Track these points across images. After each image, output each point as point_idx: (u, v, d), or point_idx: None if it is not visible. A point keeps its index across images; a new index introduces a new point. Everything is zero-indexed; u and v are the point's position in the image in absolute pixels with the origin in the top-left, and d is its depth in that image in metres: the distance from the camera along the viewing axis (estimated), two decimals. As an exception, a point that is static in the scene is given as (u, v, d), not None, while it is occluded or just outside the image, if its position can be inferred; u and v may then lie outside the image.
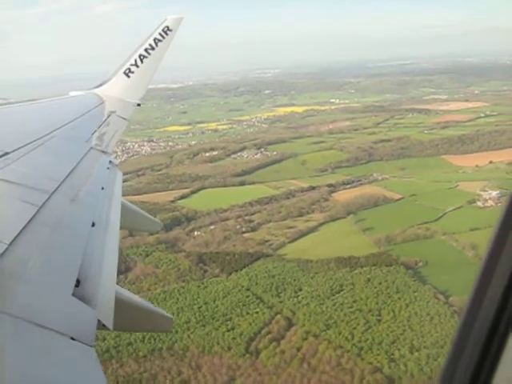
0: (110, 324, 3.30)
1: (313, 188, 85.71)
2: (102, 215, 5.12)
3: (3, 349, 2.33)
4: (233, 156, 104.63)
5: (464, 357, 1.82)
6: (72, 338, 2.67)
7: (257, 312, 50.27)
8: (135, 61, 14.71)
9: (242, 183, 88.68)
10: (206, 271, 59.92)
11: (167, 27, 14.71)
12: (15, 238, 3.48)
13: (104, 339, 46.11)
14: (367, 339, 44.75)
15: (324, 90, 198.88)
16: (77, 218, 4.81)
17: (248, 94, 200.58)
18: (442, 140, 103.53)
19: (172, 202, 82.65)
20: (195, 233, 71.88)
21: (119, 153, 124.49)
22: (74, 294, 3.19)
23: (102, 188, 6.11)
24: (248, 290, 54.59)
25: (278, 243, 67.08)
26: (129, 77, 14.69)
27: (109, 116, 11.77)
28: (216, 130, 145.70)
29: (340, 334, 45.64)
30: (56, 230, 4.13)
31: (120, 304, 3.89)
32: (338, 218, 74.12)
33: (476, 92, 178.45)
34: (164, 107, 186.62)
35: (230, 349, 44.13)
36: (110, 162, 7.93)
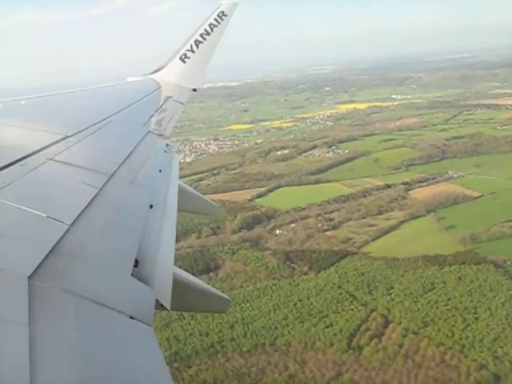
0: (167, 304, 3.39)
1: (388, 186, 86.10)
2: (159, 197, 5.24)
3: (66, 326, 2.42)
4: (304, 154, 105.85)
5: None
6: (131, 317, 2.77)
7: (352, 309, 51.45)
8: (191, 46, 14.93)
9: (317, 181, 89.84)
10: (294, 269, 61.32)
11: (222, 12, 14.81)
12: (76, 218, 3.59)
13: (207, 334, 48.45)
14: (468, 336, 45.37)
15: (385, 86, 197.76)
16: (135, 200, 4.92)
17: (308, 92, 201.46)
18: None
19: (250, 200, 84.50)
20: (277, 231, 73.45)
21: (187, 152, 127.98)
22: (132, 275, 3.28)
23: (160, 171, 6.30)
24: (340, 287, 55.80)
25: (360, 241, 67.96)
26: (185, 62, 14.92)
27: (165, 101, 12.04)
28: (280, 128, 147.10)
29: (439, 331, 46.40)
30: (115, 212, 4.25)
31: (178, 284, 4.01)
32: (419, 216, 74.36)
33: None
34: (225, 105, 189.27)
35: (332, 345, 45.50)
36: (168, 145, 8.05)
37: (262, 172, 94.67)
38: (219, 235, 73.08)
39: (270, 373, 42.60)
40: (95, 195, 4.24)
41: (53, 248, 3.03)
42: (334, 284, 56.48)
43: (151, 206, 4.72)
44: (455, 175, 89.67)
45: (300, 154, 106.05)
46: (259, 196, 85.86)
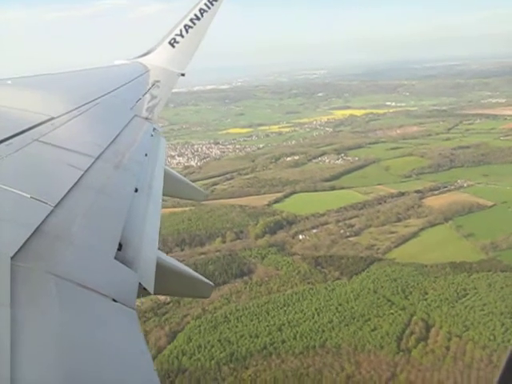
0: (150, 288, 3.42)
1: (402, 194, 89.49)
2: (145, 181, 5.31)
3: (48, 308, 2.45)
4: (314, 161, 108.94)
5: None
6: (114, 300, 2.80)
7: (392, 313, 54.40)
8: (180, 31, 14.97)
9: (332, 188, 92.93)
10: (325, 274, 64.14)
11: None
12: (60, 200, 3.60)
13: (257, 336, 50.96)
14: (509, 339, 48.68)
15: (378, 93, 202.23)
16: (120, 183, 4.97)
17: (301, 97, 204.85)
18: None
19: (267, 205, 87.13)
20: (300, 236, 76.17)
21: (190, 155, 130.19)
22: (116, 258, 3.31)
23: (146, 155, 6.35)
24: (375, 292, 58.73)
25: (384, 248, 71.05)
26: (174, 47, 14.96)
27: (153, 85, 12.07)
28: (280, 133, 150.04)
29: (481, 334, 49.60)
30: (100, 195, 4.27)
31: (161, 268, 4.07)
32: (437, 224, 77.75)
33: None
34: (219, 109, 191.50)
35: (382, 347, 48.39)
36: (154, 129, 8.15)
37: (277, 178, 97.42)
38: (243, 239, 75.49)
39: (328, 373, 45.24)
40: (80, 177, 4.29)
41: (36, 229, 3.06)
42: (369, 289, 59.32)
43: (136, 190, 4.82)
44: (465, 184, 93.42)
45: (310, 160, 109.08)
46: (276, 201, 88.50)
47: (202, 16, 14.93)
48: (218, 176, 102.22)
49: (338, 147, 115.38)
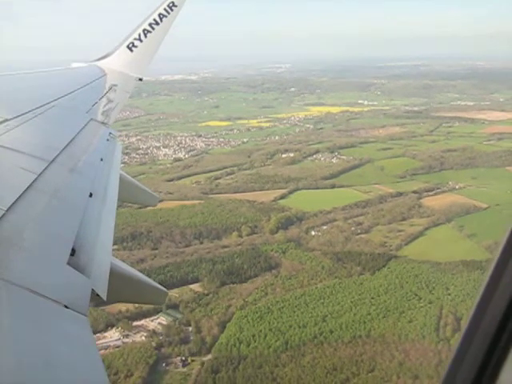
0: (103, 294, 3.46)
1: (400, 194, 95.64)
2: (99, 186, 5.42)
3: None
4: (310, 158, 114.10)
5: (467, 360, 1.95)
6: (66, 306, 2.82)
7: (422, 307, 60.06)
8: (139, 35, 15.12)
9: (333, 186, 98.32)
10: (348, 269, 69.26)
11: (172, 3, 15.13)
12: (13, 204, 3.62)
13: (305, 326, 55.69)
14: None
15: (349, 91, 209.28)
16: (75, 187, 5.06)
17: (274, 91, 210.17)
18: (504, 152, 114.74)
19: (274, 201, 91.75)
20: (312, 232, 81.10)
21: (176, 147, 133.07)
22: (69, 263, 3.34)
23: (101, 159, 6.37)
24: (402, 287, 64.32)
25: (395, 245, 76.70)
26: (132, 51, 15.08)
27: (110, 88, 12.13)
28: (260, 128, 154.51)
29: None
30: (53, 199, 4.33)
31: (115, 275, 4.11)
32: (439, 224, 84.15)
33: (501, 100, 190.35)
34: (193, 100, 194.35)
35: (424, 337, 54.00)
36: (110, 133, 8.18)
37: (278, 174, 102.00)
38: (259, 234, 79.79)
39: (381, 360, 50.45)
40: (33, 181, 4.27)
41: None
42: (395, 284, 64.85)
43: (91, 195, 4.87)
44: (457, 186, 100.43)
45: (305, 157, 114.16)
46: (281, 198, 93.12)
47: (161, 21, 15.09)
48: (217, 170, 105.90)
49: (330, 146, 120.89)
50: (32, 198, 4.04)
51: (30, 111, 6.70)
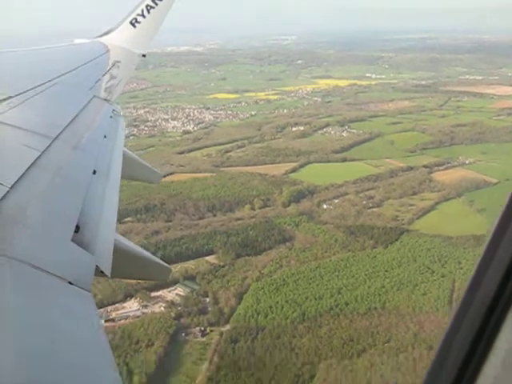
0: (108, 270, 3.52)
1: (411, 168, 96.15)
2: (103, 163, 5.46)
3: (2, 290, 2.46)
4: (320, 132, 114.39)
5: (449, 360, 1.97)
6: (70, 283, 2.85)
7: (435, 280, 61.01)
8: (142, 11, 14.95)
9: (344, 160, 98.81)
10: (361, 242, 70.11)
11: None
12: (16, 181, 3.64)
13: (321, 298, 56.73)
14: None
15: (357, 64, 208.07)
16: (78, 164, 5.08)
17: (281, 64, 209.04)
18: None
19: (285, 174, 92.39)
20: (324, 206, 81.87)
21: (184, 120, 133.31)
22: (73, 240, 3.39)
23: (105, 136, 6.41)
24: (414, 261, 65.23)
25: (407, 219, 77.44)
26: (135, 27, 14.94)
27: (113, 65, 12.02)
28: (268, 101, 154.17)
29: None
30: (57, 176, 4.34)
31: (119, 251, 4.21)
32: (450, 199, 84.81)
33: (510, 74, 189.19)
34: (200, 72, 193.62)
35: (437, 309, 55.06)
36: (114, 110, 8.22)
37: (289, 148, 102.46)
38: (272, 207, 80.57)
39: (396, 332, 51.56)
40: (37, 158, 4.29)
41: None
42: (408, 258, 65.79)
43: (94, 172, 4.91)
44: (466, 161, 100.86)
45: (315, 131, 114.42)
46: (293, 171, 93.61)
47: None
48: (228, 143, 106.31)
49: (339, 119, 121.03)
50: (35, 176, 4.06)
51: (32, 88, 6.68)
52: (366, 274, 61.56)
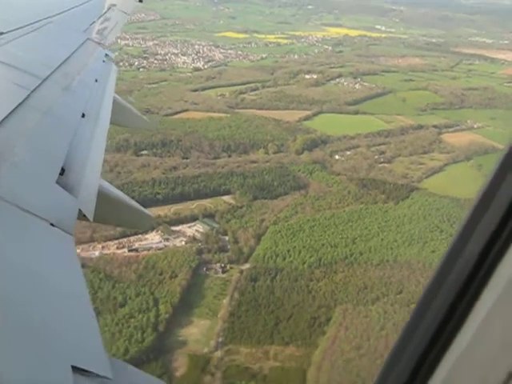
0: (90, 215, 3.51)
1: (421, 127, 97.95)
2: (92, 107, 5.39)
3: None
4: (333, 82, 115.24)
5: (403, 359, 1.91)
6: (52, 224, 2.86)
7: (443, 238, 63.51)
8: None
9: (356, 112, 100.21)
10: (373, 196, 72.36)
11: None
12: (4, 119, 3.60)
13: (336, 246, 59.25)
14: None
15: (367, 14, 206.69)
16: (67, 106, 5.03)
17: (291, 7, 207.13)
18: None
19: (298, 122, 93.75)
20: (336, 156, 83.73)
21: (194, 56, 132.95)
22: (57, 182, 3.40)
23: (96, 80, 6.42)
24: (425, 218, 67.80)
25: (416, 177, 79.70)
26: None
27: (109, 9, 11.71)
28: (278, 44, 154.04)
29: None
30: (45, 117, 4.29)
31: (102, 196, 4.13)
32: (459, 161, 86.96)
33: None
34: (209, 8, 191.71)
35: (447, 267, 57.89)
36: (107, 55, 8.06)
37: (303, 95, 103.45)
38: (285, 153, 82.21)
39: (407, 284, 54.41)
40: (26, 98, 4.24)
41: None
42: (418, 215, 68.30)
43: (83, 115, 4.92)
44: (475, 125, 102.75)
45: (328, 81, 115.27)
46: (306, 119, 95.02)
47: None
48: (241, 85, 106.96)
49: (352, 71, 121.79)
50: (24, 115, 4.04)
51: (26, 26, 6.54)
52: (378, 227, 64.05)
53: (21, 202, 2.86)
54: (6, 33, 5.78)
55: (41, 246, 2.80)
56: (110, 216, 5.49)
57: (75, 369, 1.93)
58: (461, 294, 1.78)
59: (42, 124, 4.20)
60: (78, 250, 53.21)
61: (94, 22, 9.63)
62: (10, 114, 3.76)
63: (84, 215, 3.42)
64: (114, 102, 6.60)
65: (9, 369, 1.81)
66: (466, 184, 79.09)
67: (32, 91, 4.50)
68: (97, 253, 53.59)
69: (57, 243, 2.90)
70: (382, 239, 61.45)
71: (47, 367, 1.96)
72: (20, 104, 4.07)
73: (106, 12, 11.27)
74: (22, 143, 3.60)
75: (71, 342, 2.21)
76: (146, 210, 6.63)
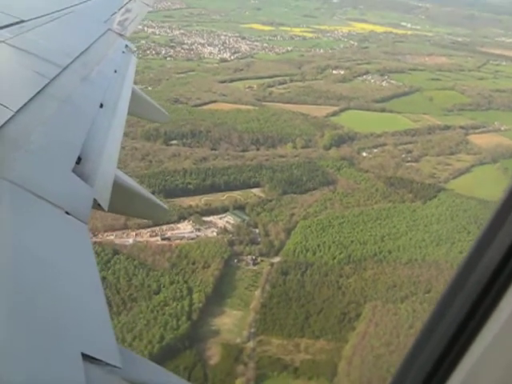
0: (105, 204, 3.53)
1: (448, 127, 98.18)
2: (111, 98, 5.43)
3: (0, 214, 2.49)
4: (360, 78, 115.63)
5: (420, 361, 1.94)
6: (67, 213, 2.89)
7: (471, 240, 63.76)
8: None
9: (383, 110, 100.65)
10: (401, 195, 72.97)
11: None
12: (23, 106, 3.64)
13: (365, 243, 60.02)
14: None
15: (393, 10, 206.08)
16: (86, 96, 5.07)
17: (316, 1, 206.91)
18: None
19: (325, 117, 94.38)
20: (364, 154, 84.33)
21: (220, 47, 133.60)
22: (73, 171, 3.41)
23: (115, 71, 6.46)
24: (452, 219, 68.42)
25: (443, 178, 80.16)
26: None
27: (130, 0, 11.77)
28: (304, 38, 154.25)
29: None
30: (64, 105, 4.34)
31: (118, 187, 4.22)
32: (486, 163, 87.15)
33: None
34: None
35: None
36: (127, 46, 8.12)
37: (331, 91, 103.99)
38: (313, 148, 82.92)
39: (436, 284, 55.14)
40: (45, 85, 4.30)
41: None
42: (446, 215, 68.89)
43: (101, 105, 4.96)
44: (502, 128, 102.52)
45: (356, 77, 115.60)
46: (333, 115, 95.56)
47: None
48: (269, 78, 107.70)
49: (379, 68, 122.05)
50: (42, 103, 4.08)
51: (47, 14, 6.59)
52: (406, 226, 64.77)
53: (36, 189, 2.91)
54: (27, 21, 5.83)
55: (55, 234, 2.88)
56: (125, 206, 5.52)
57: (85, 356, 1.99)
58: (480, 298, 1.83)
59: (60, 112, 4.25)
60: (112, 237, 54.70)
61: (115, 12, 9.64)
62: (29, 101, 3.85)
63: (99, 204, 3.49)
64: (133, 93, 6.65)
65: (19, 354, 1.87)
66: (492, 186, 79.43)
67: (51, 79, 4.57)
68: (131, 240, 54.65)
69: (71, 231, 2.96)
70: (411, 238, 62.15)
71: (57, 354, 2.02)
72: (39, 92, 4.15)
73: (127, 3, 11.23)
74: (40, 131, 3.66)
75: (82, 329, 2.28)
76: (162, 203, 6.69)
